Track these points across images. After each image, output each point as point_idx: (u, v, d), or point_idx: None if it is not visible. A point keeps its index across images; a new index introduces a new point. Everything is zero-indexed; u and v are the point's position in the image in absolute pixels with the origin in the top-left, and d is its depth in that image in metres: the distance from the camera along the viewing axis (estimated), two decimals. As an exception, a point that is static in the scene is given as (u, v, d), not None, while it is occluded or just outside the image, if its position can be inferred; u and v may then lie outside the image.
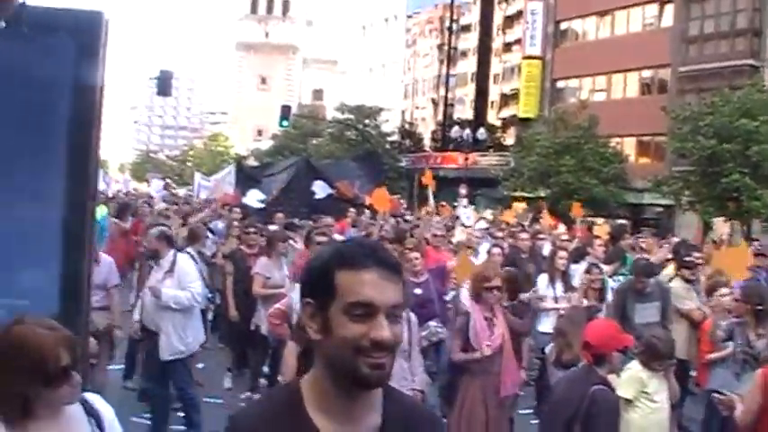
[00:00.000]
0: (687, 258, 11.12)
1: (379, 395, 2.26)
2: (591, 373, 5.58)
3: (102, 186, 35.31)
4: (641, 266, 10.20)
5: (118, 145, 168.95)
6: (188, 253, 10.22)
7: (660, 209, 41.20)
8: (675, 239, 17.94)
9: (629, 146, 45.42)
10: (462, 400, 7.54)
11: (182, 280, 8.89)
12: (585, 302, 9.72)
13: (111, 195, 29.19)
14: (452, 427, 7.55)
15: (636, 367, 6.77)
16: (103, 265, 8.84)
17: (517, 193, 41.34)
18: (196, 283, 9.10)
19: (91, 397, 3.52)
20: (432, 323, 10.03)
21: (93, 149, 4.19)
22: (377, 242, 2.32)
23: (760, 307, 8.06)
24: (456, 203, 33.12)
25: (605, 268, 10.99)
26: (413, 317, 7.64)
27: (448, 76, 65.30)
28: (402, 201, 30.77)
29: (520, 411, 9.65)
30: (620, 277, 11.49)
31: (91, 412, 3.44)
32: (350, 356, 2.09)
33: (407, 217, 21.51)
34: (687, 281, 10.62)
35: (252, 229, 12.13)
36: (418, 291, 10.14)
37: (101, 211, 18.55)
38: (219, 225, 15.63)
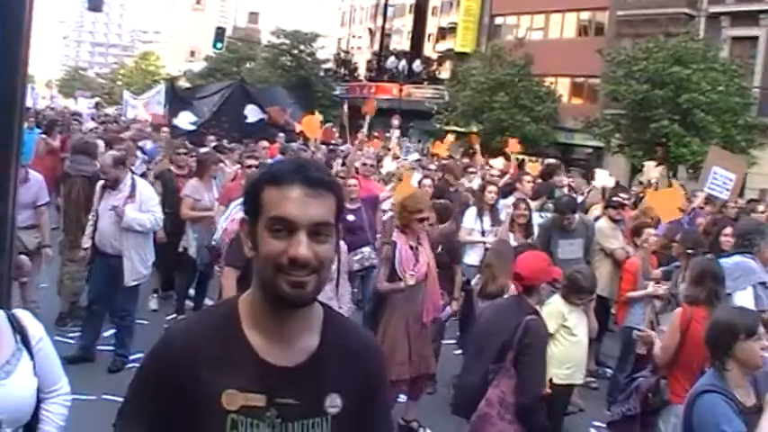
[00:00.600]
0: (614, 198, 11.31)
1: (318, 316, 2.27)
2: (522, 303, 5.69)
3: (29, 102, 34.54)
4: (564, 203, 10.35)
5: (45, 60, 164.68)
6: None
7: (589, 150, 41.70)
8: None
9: (562, 86, 45.69)
10: (384, 329, 7.58)
11: (143, 204, 8.80)
12: (512, 237, 9.79)
13: (38, 111, 28.52)
14: None
15: (557, 301, 6.96)
16: (33, 182, 8.66)
17: (450, 127, 41.43)
18: (157, 207, 9.02)
19: (20, 313, 3.44)
20: (366, 249, 10.07)
21: (20, 64, 4.07)
22: (308, 160, 2.26)
23: (691, 251, 8.29)
24: (388, 134, 33.10)
25: (532, 204, 11.11)
26: (342, 244, 7.66)
27: (386, 5, 64.62)
28: (334, 129, 30.61)
29: (444, 342, 9.80)
30: (548, 214, 11.64)
31: (17, 328, 3.37)
32: (271, 273, 2.08)
33: (342, 147, 21.38)
34: (614, 220, 10.81)
35: (182, 150, 11.97)
36: (351, 217, 10.16)
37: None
38: (149, 145, 15.40)
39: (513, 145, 22.80)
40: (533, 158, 26.78)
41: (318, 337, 2.24)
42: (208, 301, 11.15)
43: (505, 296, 7.00)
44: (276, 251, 2.06)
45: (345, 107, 22.84)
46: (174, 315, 10.86)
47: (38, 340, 3.42)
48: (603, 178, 16.13)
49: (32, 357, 3.38)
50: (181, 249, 10.74)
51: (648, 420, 6.39)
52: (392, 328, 7.58)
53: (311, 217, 2.07)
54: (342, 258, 7.55)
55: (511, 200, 11.44)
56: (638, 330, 7.42)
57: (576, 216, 10.13)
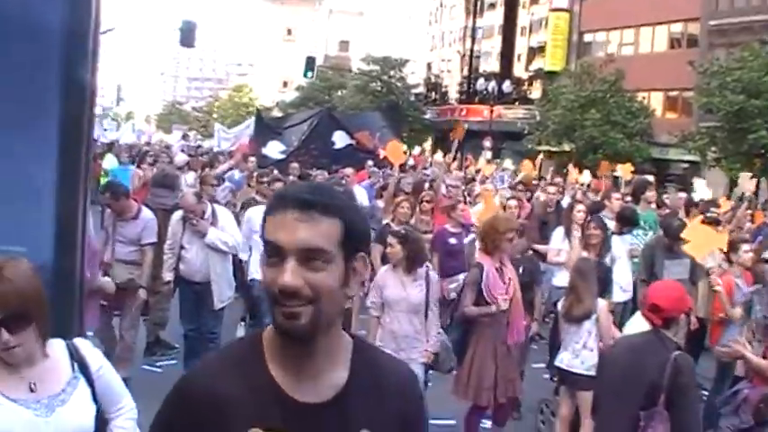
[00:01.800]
0: (708, 214, 10.95)
1: (347, 349, 2.15)
2: (665, 339, 5.36)
3: (132, 138, 35.63)
4: (675, 228, 9.80)
5: (145, 96, 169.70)
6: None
7: (686, 165, 40.80)
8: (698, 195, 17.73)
9: (656, 100, 44.88)
10: (473, 355, 7.52)
11: (223, 228, 9.13)
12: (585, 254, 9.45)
13: (131, 145, 29.41)
14: (461, 381, 7.53)
15: (639, 321, 6.57)
16: (141, 220, 8.86)
17: (542, 147, 41.09)
18: (236, 230, 9.39)
19: (78, 342, 3.52)
20: (461, 276, 9.91)
21: (87, 93, 4.12)
22: (311, 183, 2.09)
23: None
24: (481, 156, 32.94)
25: (612, 225, 10.80)
26: (433, 275, 7.64)
27: (474, 27, 64.66)
28: (426, 154, 30.60)
29: (533, 365, 9.63)
30: (636, 234, 11.32)
31: (75, 357, 3.44)
32: (271, 305, 1.97)
33: (427, 171, 21.23)
34: None
35: (266, 179, 12.09)
36: (453, 240, 10.13)
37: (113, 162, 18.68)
38: (236, 175, 15.57)
39: (605, 166, 22.40)
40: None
41: (348, 371, 2.11)
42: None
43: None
44: (268, 280, 1.95)
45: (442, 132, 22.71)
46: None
47: (98, 368, 3.52)
48: (702, 190, 15.62)
49: (92, 384, 3.46)
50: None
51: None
52: (480, 353, 7.52)
53: (300, 242, 1.92)
54: (431, 288, 7.47)
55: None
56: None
57: None
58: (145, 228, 8.83)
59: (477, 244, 8.54)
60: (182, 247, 9.07)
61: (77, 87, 3.99)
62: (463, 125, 22.44)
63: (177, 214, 9.17)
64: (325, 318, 1.99)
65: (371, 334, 7.36)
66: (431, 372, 7.75)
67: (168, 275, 9.19)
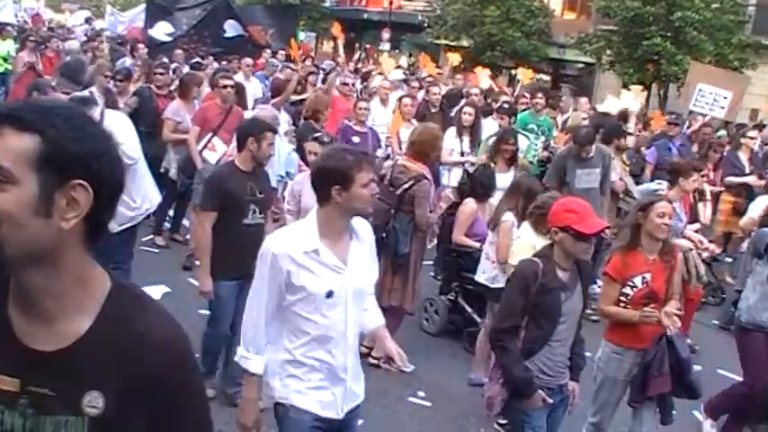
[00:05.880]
0: (625, 127, 11.19)
1: (97, 295, 1.87)
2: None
3: (16, 16, 33.84)
4: (583, 135, 9.87)
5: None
6: (90, 91, 9.84)
7: (581, 66, 41.21)
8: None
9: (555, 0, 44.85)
10: (414, 263, 7.98)
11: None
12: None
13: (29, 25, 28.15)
14: (407, 291, 7.90)
15: (527, 233, 6.67)
16: None
17: (441, 41, 40.88)
18: (129, 139, 7.69)
19: None
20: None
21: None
22: (34, 100, 1.72)
23: None
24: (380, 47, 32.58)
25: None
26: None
27: None
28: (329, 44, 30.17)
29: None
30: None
31: None
32: None
33: (323, 65, 20.89)
34: (619, 149, 10.69)
35: (161, 70, 11.80)
36: (356, 139, 10.12)
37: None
38: (127, 62, 15.13)
39: (525, 74, 22.26)
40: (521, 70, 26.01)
41: (92, 319, 1.84)
42: (185, 222, 11.11)
43: None
44: None
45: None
46: (150, 236, 10.83)
47: None
48: (628, 101, 15.05)
49: None
50: (162, 170, 10.48)
51: None
52: (414, 260, 7.97)
53: None
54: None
55: (489, 120, 11.43)
56: None
57: (593, 145, 9.83)
58: None
59: (407, 151, 8.27)
60: None
61: None
62: (339, 24, 21.86)
63: None
64: (12, 248, 1.72)
65: None
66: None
67: None
